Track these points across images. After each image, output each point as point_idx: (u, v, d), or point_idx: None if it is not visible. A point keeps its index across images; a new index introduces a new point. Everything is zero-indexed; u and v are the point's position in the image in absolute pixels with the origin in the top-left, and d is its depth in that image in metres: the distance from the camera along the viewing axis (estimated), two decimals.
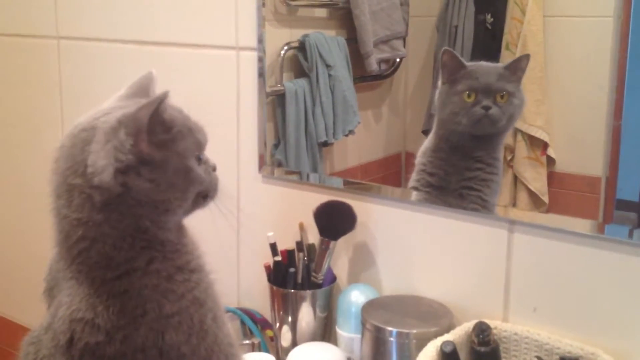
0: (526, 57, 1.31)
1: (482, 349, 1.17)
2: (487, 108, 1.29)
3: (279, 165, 1.59)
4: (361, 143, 1.63)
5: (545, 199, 1.34)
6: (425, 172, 1.40)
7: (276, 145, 1.59)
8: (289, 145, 1.58)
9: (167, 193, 0.88)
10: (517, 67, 1.30)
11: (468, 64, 1.33)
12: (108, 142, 0.84)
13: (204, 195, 0.93)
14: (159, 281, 0.89)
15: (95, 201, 0.85)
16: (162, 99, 0.84)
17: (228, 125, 1.60)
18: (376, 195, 1.44)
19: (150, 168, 0.86)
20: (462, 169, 1.36)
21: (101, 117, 0.88)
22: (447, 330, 1.22)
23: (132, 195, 0.85)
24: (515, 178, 1.37)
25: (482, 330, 1.18)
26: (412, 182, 1.42)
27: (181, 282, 0.90)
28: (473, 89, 1.30)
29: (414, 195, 1.41)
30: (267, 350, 1.49)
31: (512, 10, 1.35)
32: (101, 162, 0.84)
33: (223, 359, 0.93)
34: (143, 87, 0.97)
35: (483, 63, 1.34)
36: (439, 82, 1.36)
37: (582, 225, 1.21)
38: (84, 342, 0.86)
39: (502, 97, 1.29)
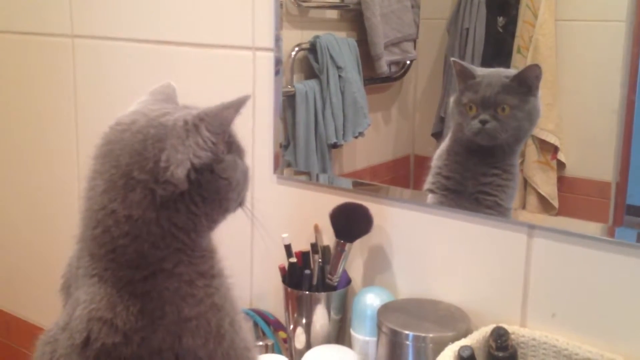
0: (536, 67, 1.29)
1: (500, 354, 1.17)
2: (484, 122, 1.29)
3: (288, 166, 1.58)
4: (370, 145, 1.63)
5: (555, 203, 1.34)
6: (441, 175, 1.40)
7: (286, 146, 1.59)
8: (299, 147, 1.58)
9: (234, 192, 0.91)
10: (525, 78, 1.28)
11: (479, 72, 1.33)
12: (188, 138, 0.85)
13: (241, 200, 0.96)
14: (180, 284, 0.89)
15: (156, 197, 0.85)
16: (245, 102, 0.88)
17: (243, 125, 1.57)
18: (393, 197, 1.44)
19: (223, 166, 0.89)
20: (478, 174, 1.36)
21: (161, 117, 0.88)
22: (465, 335, 1.22)
23: (201, 192, 0.87)
24: (525, 182, 1.37)
25: (500, 335, 1.18)
26: (427, 185, 1.42)
27: (201, 287, 0.90)
28: (473, 101, 1.30)
29: (430, 198, 1.41)
30: (280, 352, 1.49)
31: (524, 13, 1.35)
32: (179, 156, 0.85)
33: None
34: (169, 96, 0.98)
35: (493, 72, 1.33)
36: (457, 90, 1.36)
37: (594, 228, 1.21)
38: (100, 343, 0.85)
39: (503, 110, 1.29)
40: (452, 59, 1.41)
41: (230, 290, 0.95)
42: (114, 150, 0.88)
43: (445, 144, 1.41)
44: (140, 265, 0.87)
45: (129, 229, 0.86)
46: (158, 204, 0.86)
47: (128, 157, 0.86)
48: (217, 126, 0.87)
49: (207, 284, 0.91)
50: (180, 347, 0.87)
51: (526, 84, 1.28)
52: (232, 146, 0.92)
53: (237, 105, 0.88)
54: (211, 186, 0.88)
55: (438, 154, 1.41)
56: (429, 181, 1.42)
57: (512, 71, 1.32)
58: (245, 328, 0.97)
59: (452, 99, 1.36)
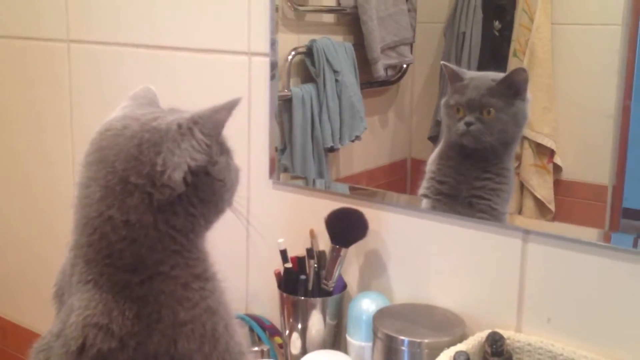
0: (522, 71, 1.30)
1: (496, 359, 1.17)
2: (468, 124, 1.30)
3: (285, 170, 1.58)
4: (367, 149, 1.63)
5: (552, 207, 1.34)
6: (434, 180, 1.40)
7: (282, 151, 1.59)
8: (295, 151, 1.58)
9: (228, 192, 0.92)
10: (512, 82, 1.29)
11: (467, 75, 1.33)
12: (184, 141, 0.85)
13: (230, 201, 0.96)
14: (176, 288, 0.88)
15: (153, 201, 0.85)
16: (237, 104, 0.88)
17: (238, 130, 1.59)
18: (389, 202, 1.44)
19: (218, 168, 0.89)
20: (471, 178, 1.36)
21: (153, 121, 0.88)
22: (460, 340, 1.22)
23: (197, 195, 0.88)
24: (522, 185, 1.37)
25: (495, 341, 1.18)
26: (422, 190, 1.42)
27: (196, 290, 0.90)
28: (460, 104, 1.31)
29: (424, 202, 1.41)
30: (275, 358, 1.48)
31: (520, 17, 1.35)
32: (175, 159, 0.85)
33: None
34: (152, 100, 0.98)
35: (481, 75, 1.34)
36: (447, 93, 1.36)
37: (590, 233, 1.21)
38: (96, 349, 0.84)
39: (488, 112, 1.29)
40: (441, 62, 1.41)
41: (224, 294, 0.95)
42: (108, 156, 0.87)
43: (438, 148, 1.41)
44: (138, 269, 0.87)
45: (126, 233, 0.86)
46: (155, 208, 0.85)
47: (124, 162, 0.86)
48: (211, 128, 0.87)
49: (202, 287, 0.91)
50: (176, 351, 0.87)
51: (513, 87, 1.29)
52: (223, 147, 0.92)
53: (229, 107, 0.88)
54: (207, 188, 0.88)
55: (432, 159, 1.41)
56: (423, 186, 1.42)
57: (500, 75, 1.32)
58: (240, 332, 0.97)
59: (442, 102, 1.37)
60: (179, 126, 0.86)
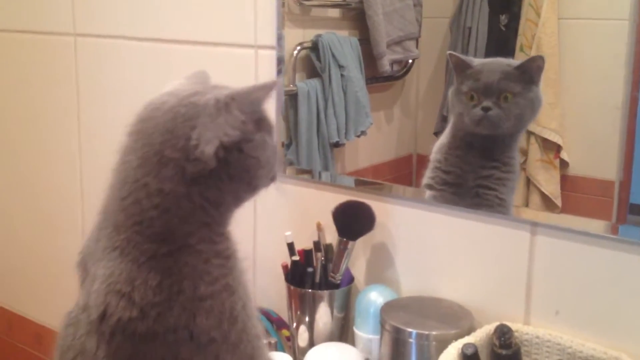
0: (539, 59, 1.30)
1: (504, 351, 1.17)
2: (486, 109, 1.28)
3: (291, 164, 1.58)
4: (373, 144, 1.63)
5: (558, 202, 1.34)
6: (440, 169, 1.39)
7: (288, 145, 1.59)
8: (301, 146, 1.58)
9: (264, 170, 0.93)
10: (528, 68, 1.28)
11: (476, 62, 1.32)
12: (219, 116, 0.87)
13: (273, 176, 0.97)
14: (197, 262, 0.89)
15: (186, 174, 0.86)
16: (274, 86, 0.90)
17: None
18: (395, 195, 1.44)
19: (253, 145, 0.90)
20: (478, 167, 1.35)
21: (192, 96, 0.90)
22: (468, 333, 1.22)
23: (229, 171, 0.89)
24: (528, 181, 1.37)
25: (503, 333, 1.18)
26: (426, 180, 1.42)
27: (216, 267, 0.91)
28: (474, 89, 1.30)
29: (429, 193, 1.40)
30: (283, 350, 1.48)
31: (526, 12, 1.35)
32: (208, 134, 0.86)
33: (250, 349, 0.93)
34: (204, 81, 1.00)
35: (493, 60, 1.33)
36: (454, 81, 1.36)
37: (597, 226, 1.21)
38: (117, 318, 0.85)
39: (505, 98, 1.28)
40: (448, 52, 1.40)
41: (243, 273, 0.96)
42: (147, 128, 0.89)
43: (444, 137, 1.40)
44: (167, 239, 0.88)
45: (160, 201, 0.87)
46: (188, 180, 0.87)
47: (160, 135, 0.88)
48: (248, 105, 0.88)
49: (222, 264, 0.92)
50: (195, 326, 0.87)
51: (528, 74, 1.28)
52: (262, 124, 0.93)
53: (267, 88, 0.90)
54: (240, 165, 0.90)
55: (437, 147, 1.41)
56: (427, 176, 1.41)
57: (511, 60, 1.32)
58: (257, 315, 0.98)
59: (450, 91, 1.36)
60: (217, 101, 0.87)
